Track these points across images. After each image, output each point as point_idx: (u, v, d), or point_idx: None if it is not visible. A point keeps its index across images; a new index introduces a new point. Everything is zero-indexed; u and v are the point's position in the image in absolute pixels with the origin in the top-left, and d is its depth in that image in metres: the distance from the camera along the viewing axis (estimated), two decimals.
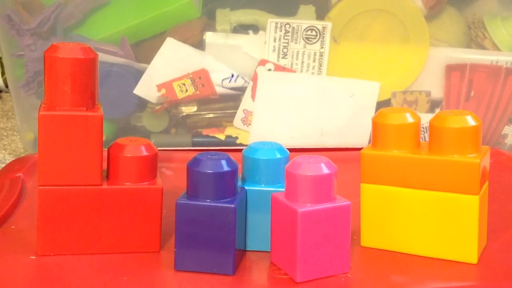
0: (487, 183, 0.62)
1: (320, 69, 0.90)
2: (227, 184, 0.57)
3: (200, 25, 0.90)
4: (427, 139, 0.82)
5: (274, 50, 0.90)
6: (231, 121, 0.91)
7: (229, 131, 0.91)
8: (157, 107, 0.90)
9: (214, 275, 0.57)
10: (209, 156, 0.58)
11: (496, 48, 0.92)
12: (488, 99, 0.91)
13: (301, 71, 0.90)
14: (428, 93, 0.92)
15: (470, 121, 0.59)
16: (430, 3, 0.90)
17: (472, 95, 0.91)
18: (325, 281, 0.57)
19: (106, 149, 0.61)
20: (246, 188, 0.60)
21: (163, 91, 0.89)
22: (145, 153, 0.60)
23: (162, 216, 0.61)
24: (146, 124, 0.91)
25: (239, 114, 0.91)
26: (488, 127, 0.92)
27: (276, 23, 0.90)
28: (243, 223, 0.60)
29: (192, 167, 0.57)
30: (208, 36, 0.90)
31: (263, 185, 0.61)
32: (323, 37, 0.90)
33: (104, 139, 0.60)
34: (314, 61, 0.90)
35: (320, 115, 0.90)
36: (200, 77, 0.89)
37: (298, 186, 0.56)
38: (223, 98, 0.91)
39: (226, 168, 0.57)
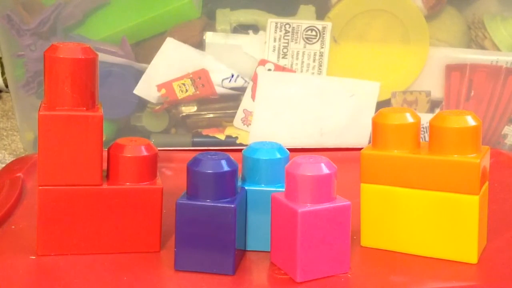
0: (487, 183, 0.62)
1: (320, 69, 0.90)
2: (227, 184, 0.57)
3: (200, 25, 0.90)
4: (427, 139, 0.82)
5: (274, 50, 0.90)
6: (231, 121, 0.91)
7: (229, 131, 0.91)
8: (157, 107, 0.90)
9: (214, 275, 0.57)
10: (209, 156, 0.58)
11: (496, 48, 0.92)
12: (488, 99, 0.91)
13: (301, 71, 0.90)
14: (428, 93, 0.92)
15: (470, 121, 0.59)
16: (430, 3, 0.90)
17: (472, 95, 0.91)
18: (325, 281, 0.57)
19: (106, 149, 0.61)
20: (246, 188, 0.60)
21: (163, 91, 0.89)
22: (145, 153, 0.60)
23: (162, 216, 0.61)
24: (146, 124, 0.91)
25: (239, 114, 0.91)
26: (488, 127, 0.92)
27: (276, 23, 0.90)
28: (243, 223, 0.60)
29: (192, 167, 0.57)
30: (208, 36, 0.90)
31: (263, 185, 0.61)
32: (323, 37, 0.90)
33: (104, 139, 0.60)
34: (314, 61, 0.90)
35: (320, 115, 0.90)
36: (200, 77, 0.89)
37: (298, 186, 0.56)
38: (223, 98, 0.91)
39: (226, 168, 0.57)
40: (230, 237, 0.57)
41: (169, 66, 0.89)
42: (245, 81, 0.90)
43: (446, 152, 0.59)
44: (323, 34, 0.90)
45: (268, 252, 0.60)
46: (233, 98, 0.91)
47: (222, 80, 0.90)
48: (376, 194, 0.62)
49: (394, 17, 0.90)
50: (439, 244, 0.60)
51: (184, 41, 0.89)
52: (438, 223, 0.60)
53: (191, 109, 0.91)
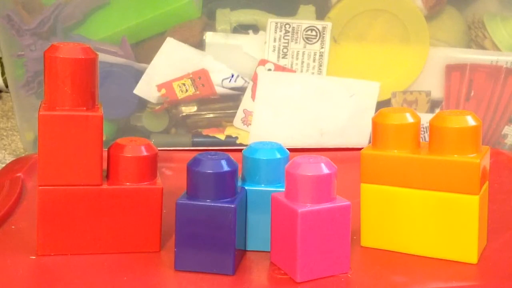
0: (487, 183, 0.62)
1: (320, 69, 0.90)
2: (227, 184, 0.57)
3: (200, 25, 0.90)
4: (427, 139, 0.82)
5: (274, 50, 0.90)
6: (231, 121, 0.91)
7: (229, 131, 0.91)
8: (157, 107, 0.90)
9: (214, 275, 0.57)
10: (209, 156, 0.58)
11: (496, 48, 0.92)
12: (488, 99, 0.91)
13: (301, 71, 0.90)
14: (428, 93, 0.92)
15: (470, 121, 0.59)
16: (430, 3, 0.90)
17: (472, 95, 0.91)
18: (325, 281, 0.57)
19: (106, 149, 0.61)
20: (246, 188, 0.60)
21: (163, 91, 0.89)
22: (145, 153, 0.60)
23: (162, 216, 0.61)
24: (146, 124, 0.91)
25: (239, 114, 0.91)
26: (488, 127, 0.92)
27: (276, 23, 0.90)
28: (243, 223, 0.60)
29: (192, 167, 0.57)
30: (208, 36, 0.90)
31: (263, 185, 0.61)
32: (323, 37, 0.90)
33: (104, 139, 0.60)
34: (314, 61, 0.90)
35: (320, 115, 0.90)
36: (200, 77, 0.89)
37: (298, 186, 0.56)
38: (223, 98, 0.91)
39: (226, 168, 0.57)
40: (230, 237, 0.57)
41: (169, 66, 0.89)
42: (245, 81, 0.90)
43: (446, 152, 0.59)
44: (323, 34, 0.90)
45: (268, 252, 0.60)
46: (233, 98, 0.91)
47: (222, 80, 0.90)
48: (376, 194, 0.62)
49: (394, 17, 0.90)
50: (439, 244, 0.60)
51: (184, 41, 0.89)
52: (438, 223, 0.60)
53: (191, 109, 0.91)
